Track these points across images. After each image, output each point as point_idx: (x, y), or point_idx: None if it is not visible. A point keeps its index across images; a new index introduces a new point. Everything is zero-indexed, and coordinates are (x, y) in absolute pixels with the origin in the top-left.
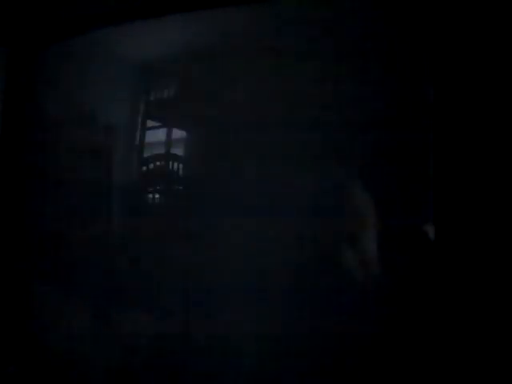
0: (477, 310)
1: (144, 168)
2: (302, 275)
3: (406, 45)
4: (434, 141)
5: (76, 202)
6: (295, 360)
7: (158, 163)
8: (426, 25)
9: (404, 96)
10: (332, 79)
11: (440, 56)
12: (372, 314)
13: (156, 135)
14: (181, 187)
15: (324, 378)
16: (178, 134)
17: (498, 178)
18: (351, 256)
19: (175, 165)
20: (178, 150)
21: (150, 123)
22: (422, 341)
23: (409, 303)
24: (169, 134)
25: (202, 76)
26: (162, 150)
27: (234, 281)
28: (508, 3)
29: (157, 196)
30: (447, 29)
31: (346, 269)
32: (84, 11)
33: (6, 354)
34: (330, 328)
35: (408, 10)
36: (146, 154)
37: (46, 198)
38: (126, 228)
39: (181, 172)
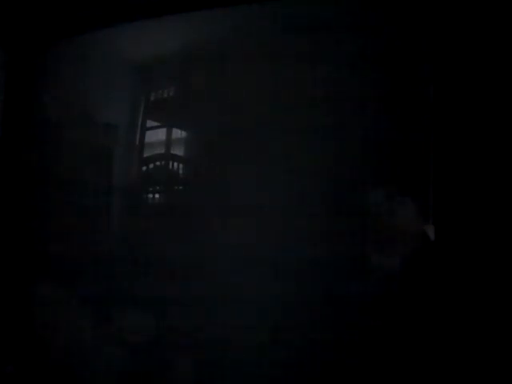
0: (476, 310)
1: (144, 168)
2: (303, 274)
3: (406, 44)
4: (434, 141)
5: (76, 202)
6: (296, 361)
7: (158, 163)
8: (426, 23)
9: (404, 95)
10: (332, 79)
11: (440, 55)
12: (372, 313)
13: (156, 135)
14: (181, 187)
15: (324, 376)
16: (177, 133)
17: (498, 178)
18: (351, 255)
19: (175, 165)
20: (178, 150)
21: (149, 123)
22: (422, 340)
23: (409, 302)
24: (169, 134)
25: (201, 76)
26: (162, 150)
27: (235, 281)
28: (507, 3)
29: (157, 196)
30: (447, 28)
31: (346, 269)
32: (84, 11)
33: (4, 354)
34: (330, 327)
35: (408, 8)
36: (145, 154)
37: (47, 197)
38: (126, 228)
39: (181, 172)
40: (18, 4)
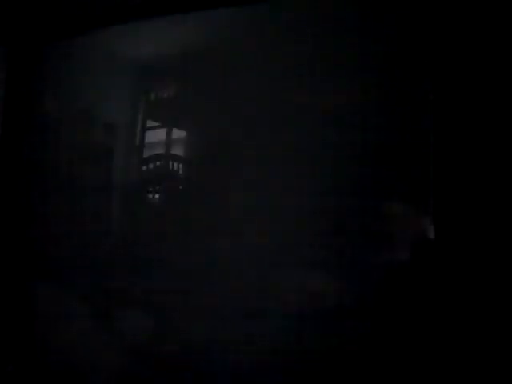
0: (477, 310)
1: (144, 168)
2: (301, 276)
3: (406, 43)
4: (434, 141)
5: (76, 202)
6: (296, 360)
7: (157, 163)
8: (425, 23)
9: (403, 94)
10: (331, 79)
11: (439, 53)
12: (372, 313)
13: (156, 135)
14: (181, 187)
15: (322, 377)
16: (177, 133)
17: (498, 177)
18: (350, 256)
19: (175, 165)
20: (178, 150)
21: (150, 123)
22: (422, 340)
23: (409, 303)
24: (169, 134)
25: (201, 76)
26: (162, 150)
27: (235, 281)
28: (505, 3)
29: (157, 196)
30: (446, 26)
31: (346, 269)
32: (84, 11)
33: (4, 353)
34: (330, 327)
35: (407, 7)
36: (145, 154)
37: (46, 197)
38: (126, 228)
39: (181, 172)
40: (19, 3)
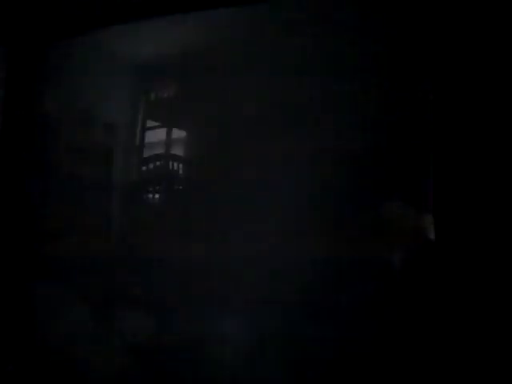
0: (477, 310)
1: (144, 168)
2: (302, 275)
3: (406, 42)
4: (434, 140)
5: (76, 202)
6: (296, 362)
7: (157, 163)
8: (426, 22)
9: (404, 94)
10: (332, 79)
11: (439, 53)
12: (373, 313)
13: (156, 135)
14: (181, 187)
15: (324, 377)
16: (177, 133)
17: (498, 177)
18: (351, 256)
19: (175, 165)
20: (178, 150)
21: (149, 123)
22: (423, 340)
23: (410, 303)
24: (169, 134)
25: (201, 76)
26: (162, 150)
27: (234, 281)
28: (505, 3)
29: (157, 196)
30: (446, 26)
31: (347, 269)
32: (84, 11)
33: (4, 353)
34: (331, 328)
35: (408, 7)
36: (145, 154)
37: (46, 197)
38: (126, 228)
39: (181, 172)
40: (20, 2)
